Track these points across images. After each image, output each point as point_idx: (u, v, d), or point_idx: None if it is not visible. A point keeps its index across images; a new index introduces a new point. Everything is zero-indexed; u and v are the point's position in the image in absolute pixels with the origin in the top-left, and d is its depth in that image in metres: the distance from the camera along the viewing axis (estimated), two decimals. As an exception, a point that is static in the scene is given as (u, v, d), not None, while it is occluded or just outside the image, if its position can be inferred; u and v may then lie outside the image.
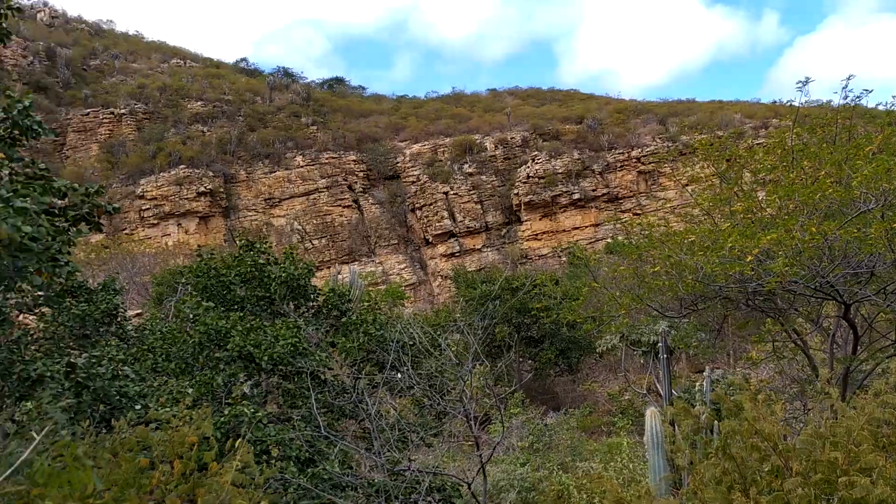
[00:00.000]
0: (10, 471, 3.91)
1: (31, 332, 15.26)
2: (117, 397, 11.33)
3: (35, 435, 8.80)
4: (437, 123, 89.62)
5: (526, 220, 77.62)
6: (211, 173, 76.64)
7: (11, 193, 8.40)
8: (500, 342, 31.44)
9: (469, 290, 35.84)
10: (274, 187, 79.27)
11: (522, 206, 77.52)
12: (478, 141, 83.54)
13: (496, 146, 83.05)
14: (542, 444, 24.13)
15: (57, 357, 13.18)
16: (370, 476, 13.15)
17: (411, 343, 14.97)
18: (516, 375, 30.96)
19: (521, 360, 34.16)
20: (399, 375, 14.08)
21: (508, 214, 79.65)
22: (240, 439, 9.19)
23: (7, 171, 9.00)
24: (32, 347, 14.51)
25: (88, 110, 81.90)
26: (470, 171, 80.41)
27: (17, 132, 10.34)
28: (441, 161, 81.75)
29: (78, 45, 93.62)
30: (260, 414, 11.76)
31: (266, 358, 13.36)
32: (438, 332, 15.69)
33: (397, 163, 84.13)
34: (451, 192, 78.57)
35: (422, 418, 14.05)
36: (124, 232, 71.59)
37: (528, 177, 77.56)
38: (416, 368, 13.40)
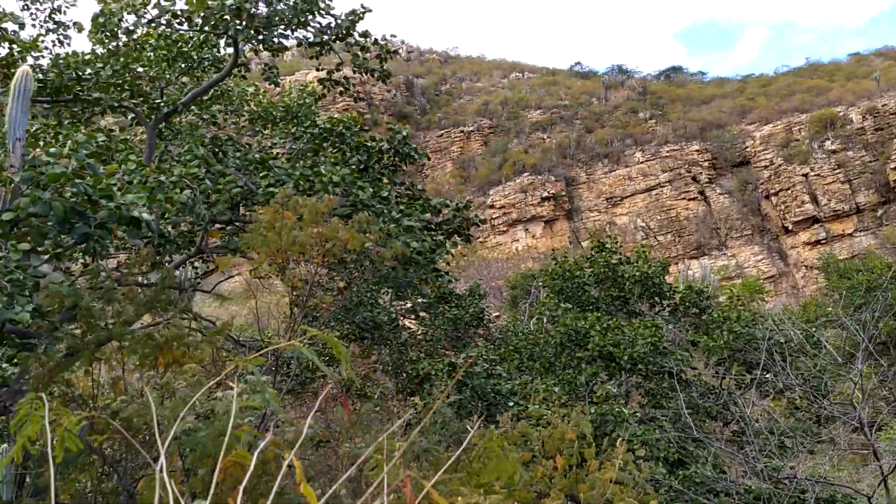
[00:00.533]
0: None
1: (414, 335, 17.22)
2: (492, 394, 12.26)
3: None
4: (790, 100, 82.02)
5: (906, 198, 67.34)
6: (553, 178, 79.35)
7: (399, 214, 9.57)
8: (887, 339, 27.65)
9: (843, 281, 32.14)
10: (615, 186, 79.37)
11: (901, 182, 67.39)
12: (840, 114, 74.60)
13: (864, 117, 73.30)
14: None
15: (437, 357, 14.70)
16: (744, 482, 12.44)
17: (784, 341, 13.90)
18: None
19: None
20: (769, 376, 13.16)
21: (885, 193, 69.71)
22: (618, 439, 9.30)
23: (394, 195, 10.25)
24: (416, 349, 16.32)
25: (442, 131, 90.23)
26: (833, 147, 72.15)
27: (397, 159, 11.76)
28: (797, 140, 74.63)
29: (431, 73, 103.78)
30: (626, 413, 11.83)
31: (626, 357, 13.42)
32: (813, 329, 14.33)
33: (746, 148, 78.73)
34: (812, 174, 71.26)
35: (800, 423, 12.92)
36: (478, 240, 77.34)
37: (906, 147, 67.20)
38: (790, 368, 12.38)
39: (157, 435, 4.12)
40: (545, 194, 77.94)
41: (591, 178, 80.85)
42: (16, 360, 8.74)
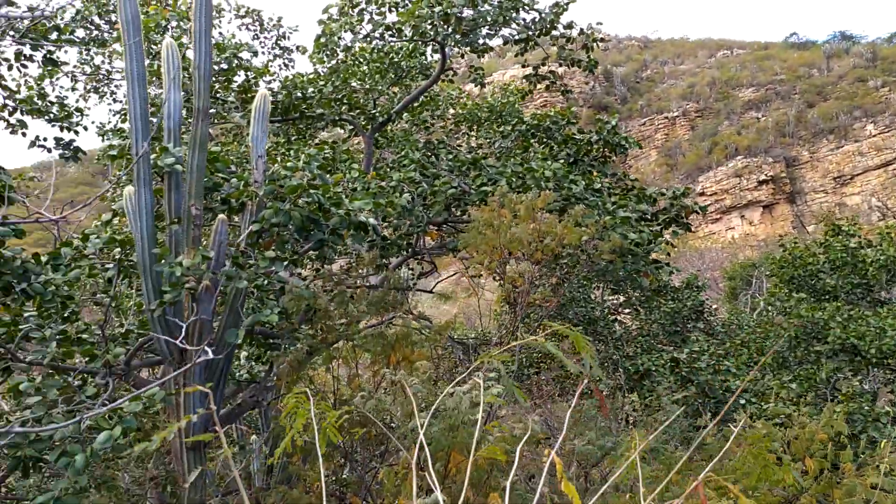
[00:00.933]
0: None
1: (629, 330, 16.73)
2: (721, 391, 11.57)
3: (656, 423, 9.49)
4: None
5: None
6: (770, 159, 73.95)
7: (614, 206, 9.31)
8: None
9: None
10: (843, 163, 72.39)
11: None
12: None
13: None
14: None
15: (655, 353, 14.15)
16: None
17: None
18: None
19: None
20: None
21: None
22: (874, 441, 8.41)
23: (606, 186, 9.99)
24: (632, 344, 15.84)
25: (644, 119, 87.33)
26: None
27: (606, 150, 11.46)
28: None
29: (630, 60, 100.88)
30: (878, 411, 10.66)
31: (873, 350, 12.09)
32: None
33: None
34: None
35: None
36: (689, 231, 73.86)
37: None
38: None
39: (406, 428, 4.24)
40: (762, 177, 72.80)
41: (814, 157, 74.34)
42: (263, 359, 9.58)
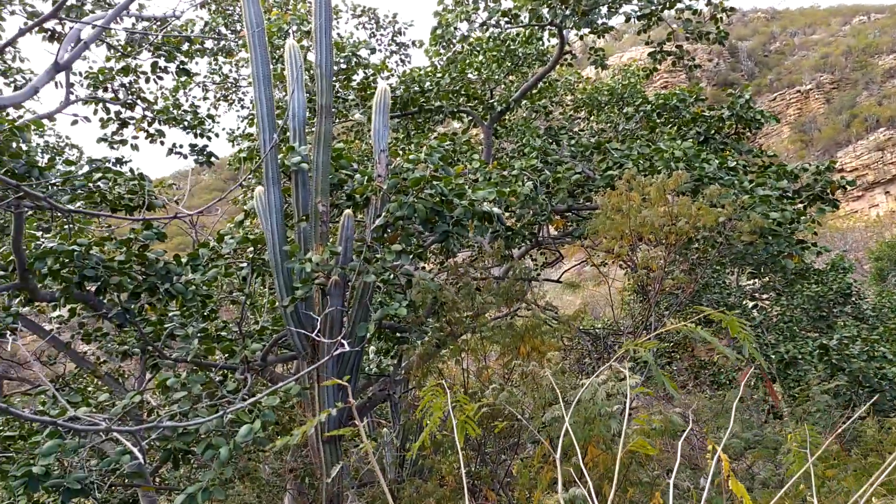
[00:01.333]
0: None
1: (769, 316, 15.82)
2: (877, 379, 10.70)
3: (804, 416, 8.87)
4: None
5: None
6: (920, 129, 68.39)
7: (752, 184, 8.75)
8: None
9: None
10: None
11: None
12: None
13: None
14: None
15: (799, 340, 13.28)
16: None
17: None
18: None
19: None
20: None
21: None
22: None
23: (742, 164, 9.41)
24: (773, 331, 14.96)
25: (774, 95, 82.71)
26: None
27: (740, 126, 10.82)
28: None
29: (757, 34, 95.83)
30: None
31: None
32: None
33: None
34: None
35: None
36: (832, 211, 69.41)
37: None
38: None
39: (539, 421, 4.09)
40: (909, 149, 67.39)
41: (969, 124, 68.12)
42: (391, 353, 9.66)
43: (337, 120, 11.75)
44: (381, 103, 6.98)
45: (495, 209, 6.92)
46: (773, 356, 12.89)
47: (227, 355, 6.06)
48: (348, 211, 6.47)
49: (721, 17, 10.35)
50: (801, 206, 9.57)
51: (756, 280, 16.09)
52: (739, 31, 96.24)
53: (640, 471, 6.20)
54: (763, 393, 11.35)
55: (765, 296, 16.63)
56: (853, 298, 16.23)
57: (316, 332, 5.57)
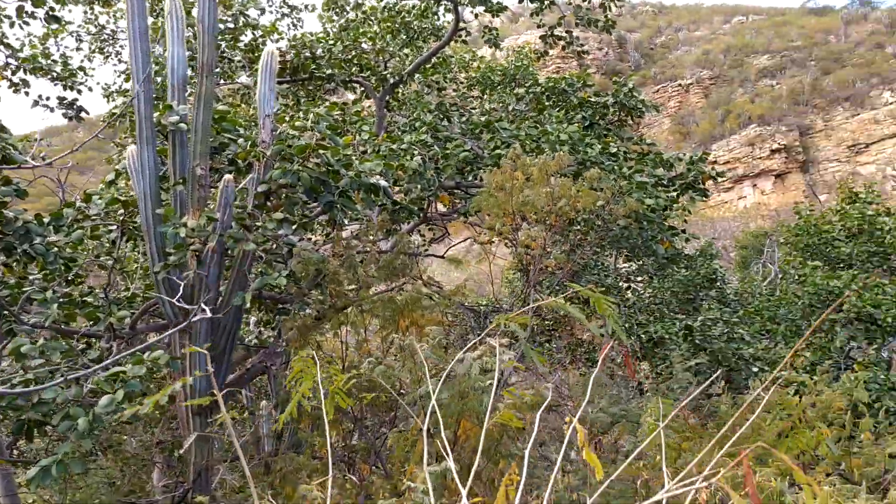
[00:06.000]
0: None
1: (642, 298, 16.57)
2: (734, 359, 11.44)
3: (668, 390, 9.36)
4: None
5: None
6: (784, 128, 72.95)
7: (630, 170, 9.09)
8: None
9: None
10: (858, 132, 71.36)
11: None
12: None
13: None
14: None
15: (668, 321, 13.99)
16: None
17: None
18: None
19: None
20: None
21: None
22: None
23: (623, 151, 9.75)
24: (644, 312, 15.69)
25: (657, 87, 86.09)
26: None
27: (623, 114, 11.20)
28: None
29: (644, 27, 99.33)
30: (893, 380, 10.51)
31: (890, 319, 11.89)
32: None
33: None
34: None
35: None
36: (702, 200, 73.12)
37: None
38: None
39: (410, 395, 4.10)
40: (775, 146, 71.89)
41: (829, 125, 73.29)
42: (272, 325, 9.47)
43: (222, 81, 11.31)
44: (268, 66, 6.76)
45: (382, 182, 6.87)
46: (643, 335, 13.54)
47: (90, 322, 5.75)
48: (229, 176, 6.26)
49: (610, 6, 10.65)
50: (674, 193, 10.02)
51: (631, 263, 16.81)
52: (628, 22, 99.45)
53: (512, 444, 6.36)
54: (631, 366, 11.90)
55: (639, 279, 17.39)
56: (718, 283, 17.22)
57: (178, 297, 5.36)
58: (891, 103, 70.47)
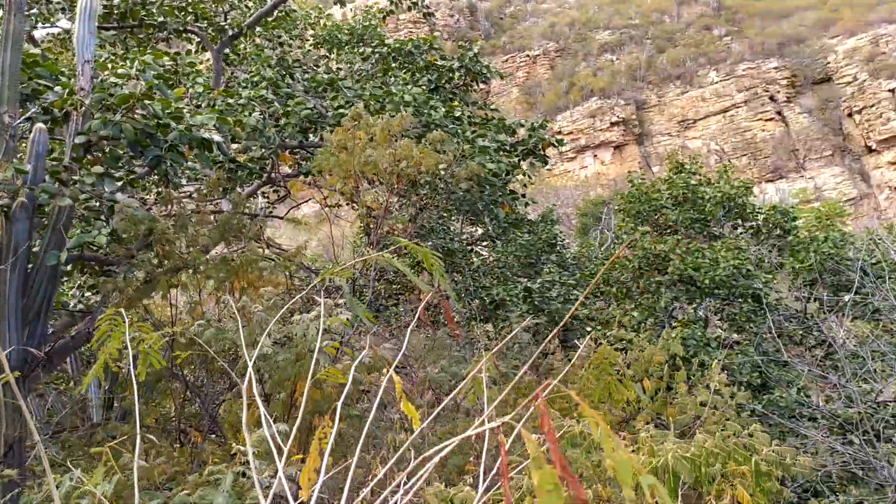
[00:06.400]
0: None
1: (486, 262, 17.00)
2: (571, 320, 12.01)
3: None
4: (878, 10, 76.74)
5: None
6: (622, 102, 76.94)
7: (473, 135, 9.20)
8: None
9: (933, 201, 30.36)
10: (687, 108, 76.52)
11: None
12: (933, 23, 69.59)
13: (959, 25, 68.24)
14: None
15: (510, 284, 14.46)
16: (831, 406, 12.00)
17: (874, 262, 13.14)
18: None
19: None
20: (853, 297, 12.51)
21: (979, 106, 65.21)
22: (706, 363, 8.95)
23: (467, 115, 9.85)
24: (488, 276, 16.12)
25: (507, 56, 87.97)
26: (923, 60, 67.62)
27: (468, 78, 11.30)
28: (884, 54, 70.11)
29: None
30: (708, 337, 11.43)
31: (707, 281, 12.89)
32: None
33: (828, 63, 74.48)
34: (900, 88, 67.07)
35: (892, 346, 12.25)
36: (545, 168, 75.91)
37: None
38: (885, 290, 11.70)
39: (246, 358, 3.93)
40: (614, 119, 75.76)
41: (662, 101, 78.05)
42: (97, 289, 8.87)
43: (40, 24, 10.32)
44: (89, 7, 6.22)
45: (216, 136, 6.54)
46: (486, 298, 13.91)
47: None
48: (41, 125, 5.72)
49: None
50: (515, 159, 10.27)
51: (476, 228, 17.19)
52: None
53: (352, 405, 6.34)
54: (455, 323, 12.19)
55: (484, 243, 17.82)
56: (558, 248, 17.97)
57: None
58: (716, 82, 75.97)
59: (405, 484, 1.98)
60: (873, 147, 68.55)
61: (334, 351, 4.06)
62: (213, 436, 6.79)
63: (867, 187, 68.83)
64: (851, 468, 11.08)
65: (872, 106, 68.19)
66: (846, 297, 12.01)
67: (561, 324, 3.67)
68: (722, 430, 4.89)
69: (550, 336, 1.69)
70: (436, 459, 1.60)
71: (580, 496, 1.34)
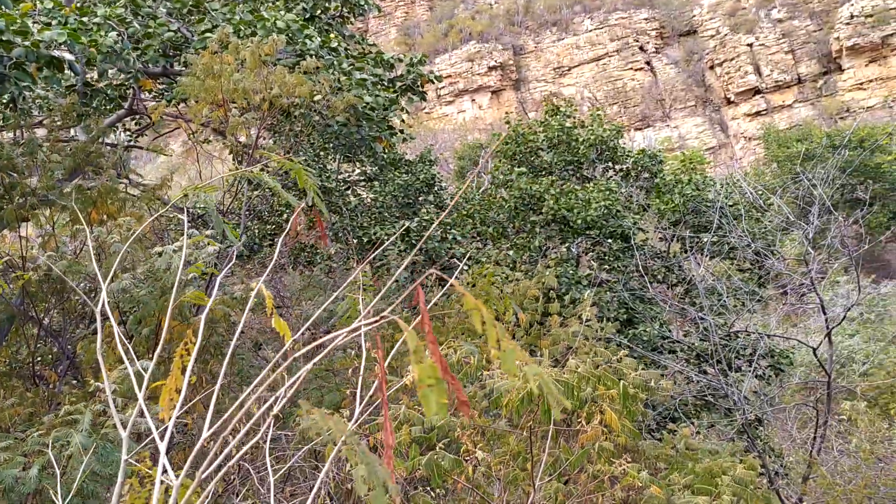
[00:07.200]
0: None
1: (363, 201, 16.80)
2: (447, 258, 12.09)
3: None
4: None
5: (848, 68, 67.84)
6: (500, 46, 77.37)
7: (350, 66, 8.91)
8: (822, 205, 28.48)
9: (781, 150, 32.65)
10: (562, 56, 77.95)
11: (844, 52, 67.63)
12: (788, -19, 73.77)
13: (811, -16, 72.65)
14: (874, 314, 21.82)
15: (388, 224, 14.37)
16: (689, 340, 12.82)
17: (731, 204, 13.97)
18: (839, 240, 27.98)
19: (844, 224, 30.79)
20: (711, 237, 13.31)
21: (826, 63, 70.10)
22: (577, 299, 9.24)
23: (343, 47, 9.52)
24: (366, 216, 15.95)
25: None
26: (779, 16, 71.66)
27: (345, 10, 10.90)
28: (744, 9, 73.82)
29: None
30: (580, 275, 11.84)
31: (579, 221, 13.30)
32: (759, 192, 14.43)
33: (693, 16, 77.71)
34: (757, 44, 70.97)
35: (745, 283, 13.17)
36: (423, 111, 75.71)
37: (853, 16, 67.05)
38: (741, 229, 12.50)
39: (103, 291, 3.73)
40: (492, 63, 76.17)
41: (538, 47, 79.09)
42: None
43: None
44: None
45: (67, 55, 5.98)
46: (363, 237, 13.78)
47: None
48: None
49: None
50: (394, 95, 10.06)
51: (354, 167, 16.90)
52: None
53: (224, 343, 6.11)
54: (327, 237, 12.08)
55: (362, 183, 17.58)
56: (436, 188, 17.98)
57: None
58: (591, 31, 77.65)
59: (275, 404, 1.87)
60: (732, 99, 72.53)
61: (199, 294, 3.84)
62: (74, 380, 6.40)
63: (725, 137, 73.02)
64: (706, 395, 11.93)
65: (732, 59, 71.90)
66: (705, 238, 12.72)
67: (439, 263, 3.61)
68: (593, 357, 5.05)
69: (427, 273, 1.64)
70: (305, 369, 1.50)
71: (459, 394, 1.27)
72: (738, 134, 71.70)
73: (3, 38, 5.69)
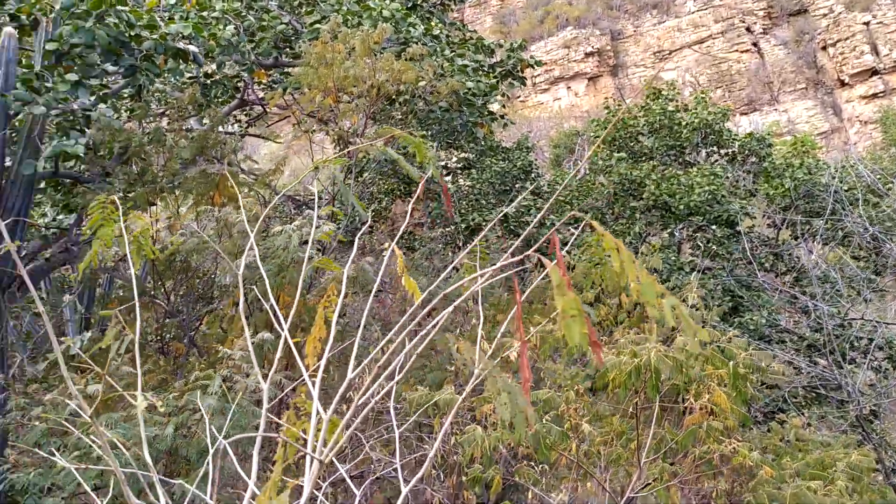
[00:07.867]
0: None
1: (461, 188, 17.00)
2: (545, 244, 12.12)
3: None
4: (855, -59, 75.98)
5: (976, 46, 63.10)
6: (598, 32, 75.95)
7: (452, 54, 9.06)
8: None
9: (902, 133, 30.78)
10: (663, 39, 75.80)
11: (972, 29, 62.94)
12: (910, -46, 69.08)
13: (936, -43, 67.80)
14: None
15: (486, 210, 14.50)
16: (799, 330, 12.37)
17: (846, 188, 13.35)
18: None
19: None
20: (822, 223, 12.77)
21: (951, 40, 65.40)
22: (693, 276, 9.09)
23: (444, 34, 9.68)
24: (464, 202, 16.14)
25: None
26: (899, -8, 67.32)
27: (447, -1, 11.06)
28: (860, -14, 69.71)
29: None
30: (682, 261, 11.63)
31: (682, 206, 13.02)
32: (878, 178, 13.68)
33: (804, -5, 74.01)
34: (874, 22, 66.93)
35: (860, 271, 12.58)
36: (519, 99, 75.30)
37: (982, -10, 62.32)
38: (856, 215, 11.95)
39: (229, 269, 3.92)
40: (589, 49, 74.84)
41: (637, 31, 77.21)
42: (71, 208, 8.73)
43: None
44: None
45: (192, 47, 6.38)
46: (462, 224, 13.95)
47: None
48: (10, 30, 5.53)
49: None
50: (494, 80, 10.16)
51: (452, 154, 17.11)
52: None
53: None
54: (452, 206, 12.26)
55: (459, 170, 17.78)
56: (533, 175, 17.98)
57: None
58: (693, 12, 75.19)
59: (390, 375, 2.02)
60: (846, 81, 68.68)
61: (329, 266, 4.04)
62: (198, 352, 6.83)
63: (838, 121, 69.30)
64: (816, 387, 11.52)
65: (847, 39, 68.07)
66: (813, 224, 12.22)
67: (537, 245, 3.70)
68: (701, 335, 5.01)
69: (526, 253, 1.71)
70: (442, 317, 1.63)
71: (592, 336, 1.37)
72: (852, 117, 67.90)
73: (134, 33, 6.13)
